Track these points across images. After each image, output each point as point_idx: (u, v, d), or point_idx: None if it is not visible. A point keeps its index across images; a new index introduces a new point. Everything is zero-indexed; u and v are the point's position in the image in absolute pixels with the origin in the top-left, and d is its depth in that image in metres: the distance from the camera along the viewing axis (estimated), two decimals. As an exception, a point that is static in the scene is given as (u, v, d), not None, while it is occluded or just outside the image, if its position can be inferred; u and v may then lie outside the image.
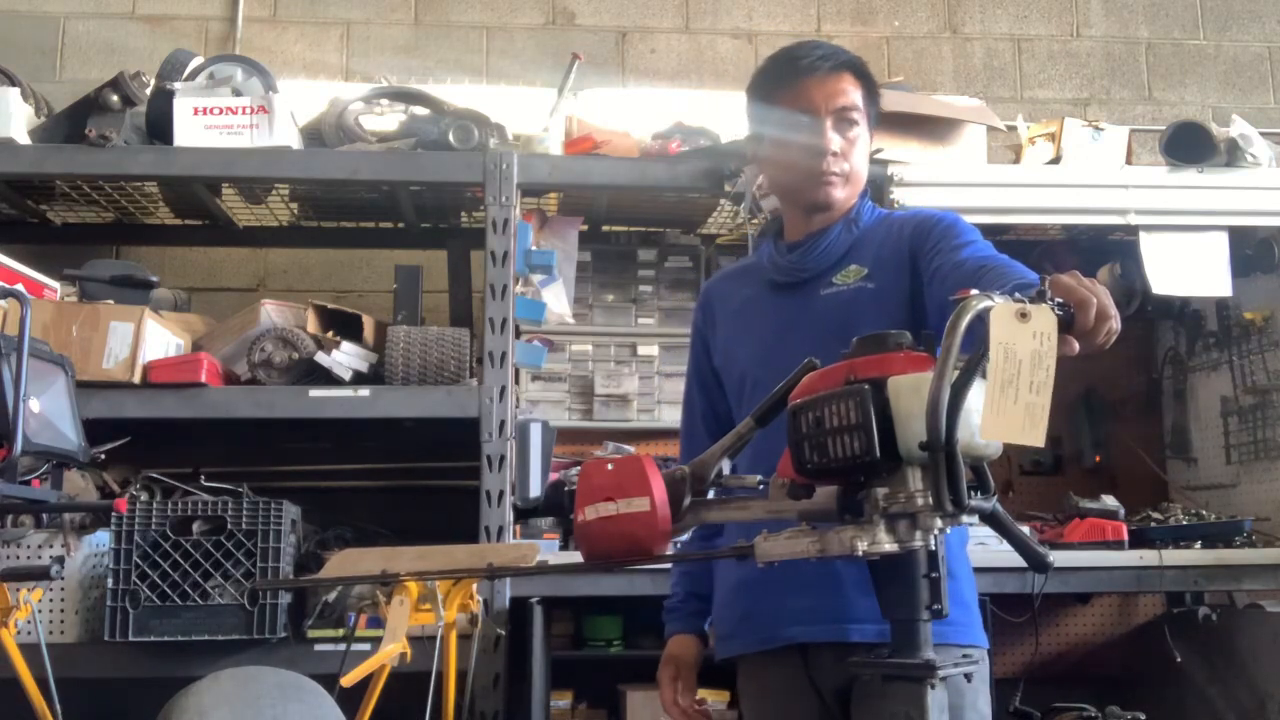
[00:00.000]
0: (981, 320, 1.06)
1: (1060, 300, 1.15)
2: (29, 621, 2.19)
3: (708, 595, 1.87)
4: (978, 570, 2.61)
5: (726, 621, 1.77)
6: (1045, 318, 1.07)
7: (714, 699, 2.70)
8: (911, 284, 1.69)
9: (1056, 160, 3.17)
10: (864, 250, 1.76)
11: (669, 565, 2.00)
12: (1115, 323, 1.20)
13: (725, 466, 1.33)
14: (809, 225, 1.79)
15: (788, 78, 1.75)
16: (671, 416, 3.23)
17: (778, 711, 1.69)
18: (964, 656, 1.18)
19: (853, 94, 1.75)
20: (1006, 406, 1.04)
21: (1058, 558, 2.65)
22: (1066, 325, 1.14)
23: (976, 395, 1.06)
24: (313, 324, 2.91)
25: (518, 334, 2.90)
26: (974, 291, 1.07)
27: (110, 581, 2.50)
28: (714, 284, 1.97)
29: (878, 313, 1.67)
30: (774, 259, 1.81)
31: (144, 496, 2.76)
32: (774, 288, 1.81)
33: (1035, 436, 1.04)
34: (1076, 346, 1.16)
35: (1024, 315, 1.06)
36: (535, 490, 2.76)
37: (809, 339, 1.66)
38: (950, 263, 1.61)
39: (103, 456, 2.58)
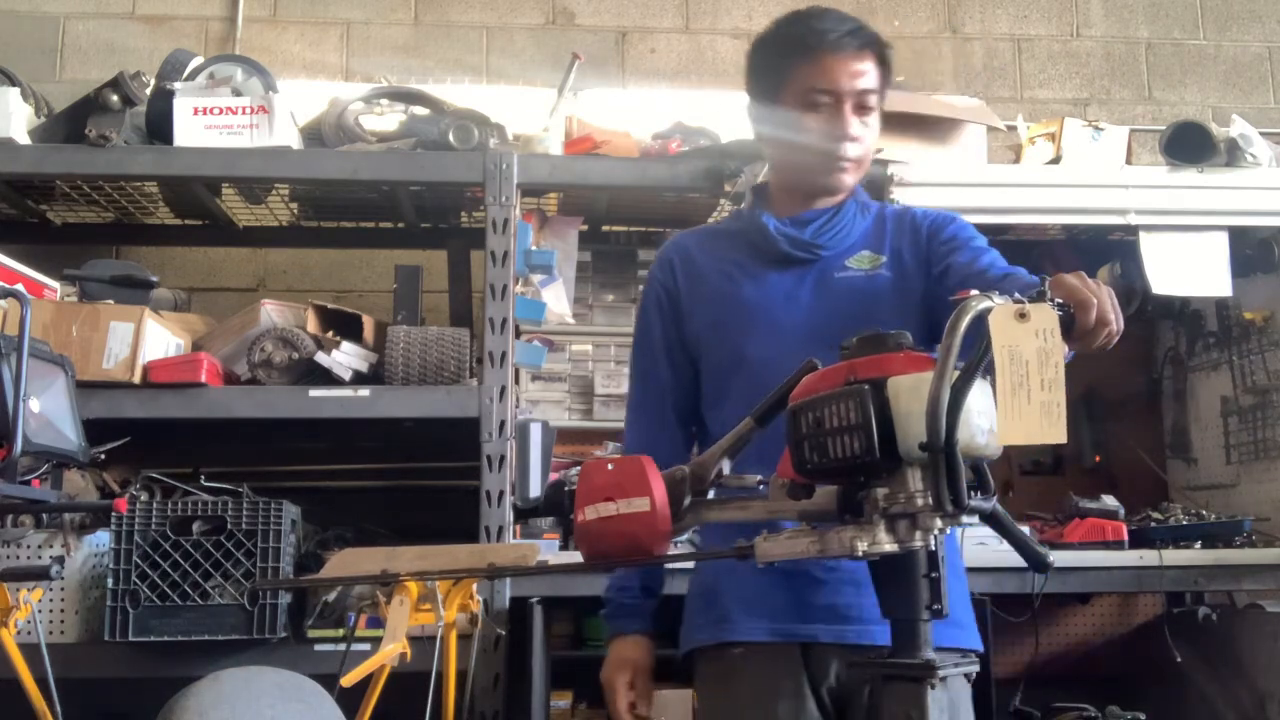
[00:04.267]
0: (983, 321, 1.06)
1: (1060, 300, 1.15)
2: (29, 621, 2.18)
3: (659, 590, 1.78)
4: (978, 570, 2.63)
5: (723, 604, 1.66)
6: (1045, 315, 1.07)
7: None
8: (926, 281, 1.68)
9: (1056, 160, 3.17)
10: (878, 239, 1.72)
11: (669, 565, 1.98)
12: (1116, 324, 1.20)
13: (725, 466, 1.33)
14: (808, 204, 1.74)
15: (809, 50, 1.66)
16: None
17: (763, 708, 1.60)
18: (963, 657, 1.18)
19: (874, 76, 1.68)
20: (1021, 408, 1.04)
21: (1058, 558, 2.66)
22: (1066, 326, 1.14)
23: (977, 395, 1.06)
24: (313, 324, 2.91)
25: (518, 334, 2.90)
26: (973, 292, 1.07)
27: (110, 581, 2.49)
28: (681, 243, 1.83)
29: (898, 302, 1.65)
30: (782, 231, 1.72)
31: (144, 496, 2.76)
32: (776, 260, 1.72)
33: (1055, 434, 1.04)
34: (1070, 351, 1.15)
35: (1023, 315, 1.06)
36: (535, 490, 2.76)
37: (831, 321, 1.62)
38: (971, 264, 1.60)
39: (103, 456, 2.57)
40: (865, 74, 1.67)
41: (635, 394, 1.85)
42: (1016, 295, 1.09)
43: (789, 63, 1.68)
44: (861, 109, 1.68)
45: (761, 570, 1.59)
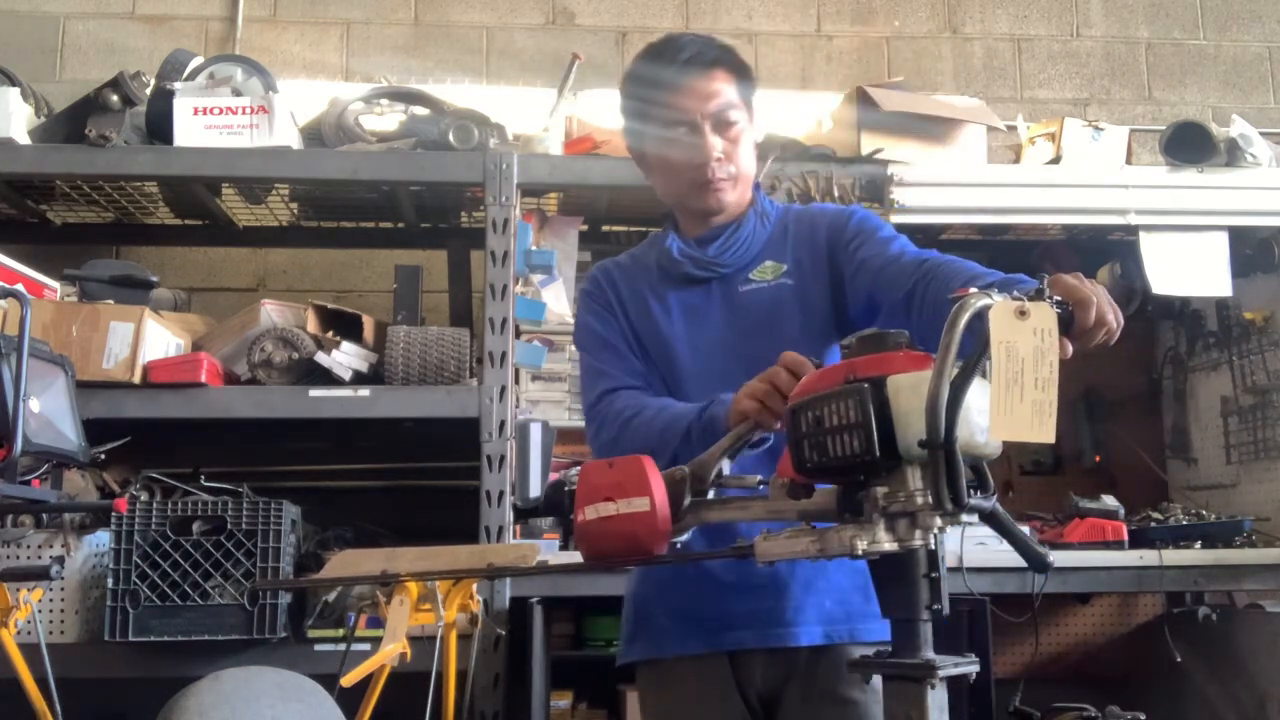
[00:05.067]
0: (980, 318, 1.05)
1: (1059, 299, 1.15)
2: (29, 621, 2.19)
3: None
4: (978, 570, 2.63)
5: (655, 618, 1.68)
6: (1044, 314, 1.07)
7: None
8: (830, 279, 1.69)
9: (1056, 160, 3.17)
10: (779, 246, 1.74)
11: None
12: (1116, 323, 1.20)
13: (725, 467, 1.33)
14: (707, 224, 1.75)
15: (658, 85, 1.69)
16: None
17: (701, 716, 1.63)
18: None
19: (727, 92, 1.69)
20: (1013, 405, 1.04)
21: (1058, 558, 2.66)
22: (1065, 325, 1.14)
23: (976, 393, 1.06)
24: (313, 324, 2.91)
25: (518, 334, 2.90)
26: (973, 290, 1.07)
27: (110, 581, 2.50)
28: (609, 268, 1.83)
29: (801, 309, 1.67)
30: (685, 252, 1.74)
31: (144, 496, 2.76)
32: (683, 281, 1.74)
33: (1045, 433, 1.04)
34: (1070, 349, 1.15)
35: (1023, 313, 1.06)
36: (535, 490, 2.76)
37: (739, 335, 1.65)
38: (881, 255, 1.61)
39: (103, 456, 2.58)
40: (718, 93, 1.68)
41: (604, 383, 1.72)
42: (1016, 293, 1.10)
43: (645, 100, 1.72)
44: (722, 126, 1.68)
45: (686, 583, 1.63)
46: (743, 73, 1.73)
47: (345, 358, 2.78)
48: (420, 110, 3.12)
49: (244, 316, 2.94)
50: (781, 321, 1.66)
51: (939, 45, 3.99)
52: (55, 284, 2.90)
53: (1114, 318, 1.19)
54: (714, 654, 1.62)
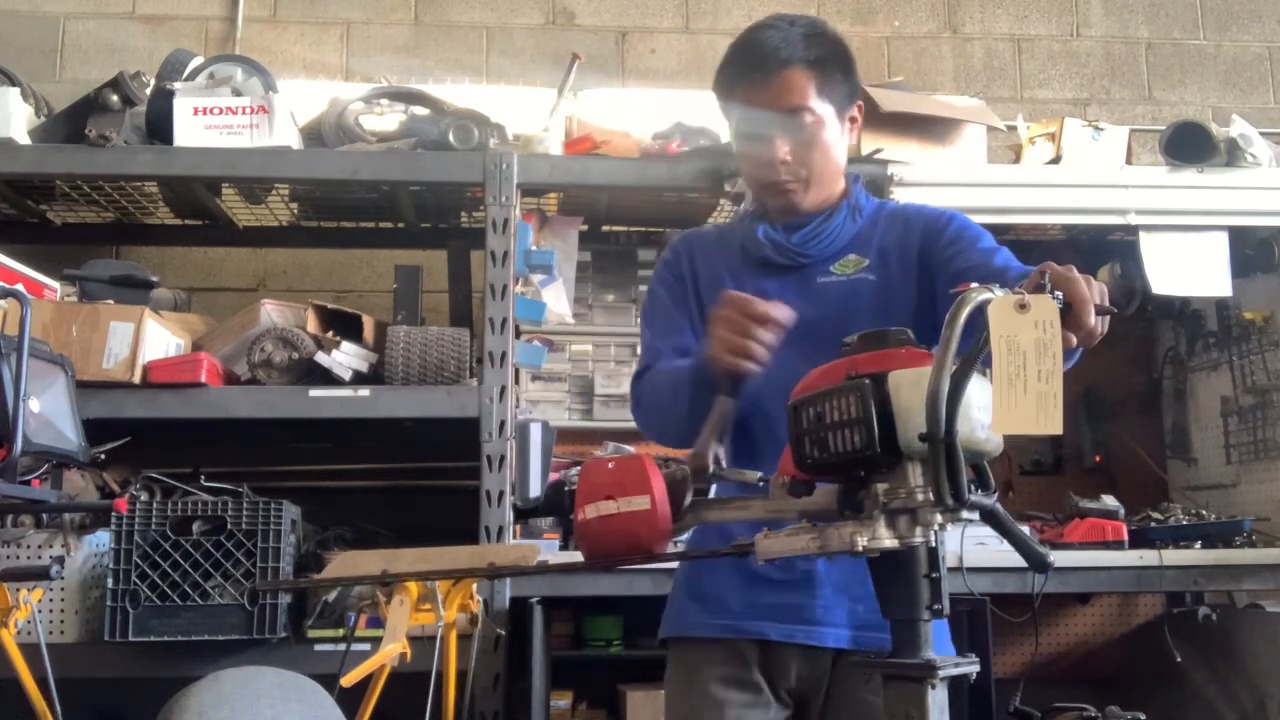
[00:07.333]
0: (983, 313, 1.05)
1: (1058, 292, 1.14)
2: (29, 621, 2.18)
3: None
4: (978, 570, 2.63)
5: (687, 600, 1.70)
6: (1045, 306, 1.06)
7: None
8: (919, 280, 1.67)
9: (1056, 160, 3.17)
10: (865, 241, 1.72)
11: (669, 565, 1.98)
12: (1097, 329, 1.20)
13: (720, 452, 1.33)
14: (798, 211, 1.73)
15: (735, 81, 1.70)
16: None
17: (714, 697, 1.63)
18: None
19: (803, 90, 1.66)
20: (1016, 398, 1.03)
21: (1058, 558, 2.65)
22: (1063, 315, 1.14)
23: (977, 390, 1.06)
24: (313, 324, 2.91)
25: (518, 334, 2.90)
26: (973, 285, 1.07)
27: (110, 581, 2.49)
28: (688, 240, 1.83)
29: (879, 304, 1.65)
30: (770, 237, 1.72)
31: (144, 496, 2.76)
32: (763, 266, 1.72)
33: (1051, 424, 1.03)
34: (1074, 340, 1.16)
35: (1023, 306, 1.06)
36: (535, 490, 2.76)
37: (809, 327, 1.61)
38: (984, 266, 1.57)
39: (103, 456, 2.58)
40: (789, 92, 1.66)
41: (649, 358, 1.73)
42: (1018, 287, 1.09)
43: (728, 97, 1.74)
44: (794, 126, 1.66)
45: (721, 570, 1.64)
46: (827, 68, 1.68)
47: (345, 358, 2.78)
48: (420, 110, 3.11)
49: (244, 316, 2.94)
50: (855, 313, 1.63)
51: (939, 45, 3.99)
52: (55, 284, 2.90)
53: (1095, 325, 1.19)
54: (741, 640, 1.62)
